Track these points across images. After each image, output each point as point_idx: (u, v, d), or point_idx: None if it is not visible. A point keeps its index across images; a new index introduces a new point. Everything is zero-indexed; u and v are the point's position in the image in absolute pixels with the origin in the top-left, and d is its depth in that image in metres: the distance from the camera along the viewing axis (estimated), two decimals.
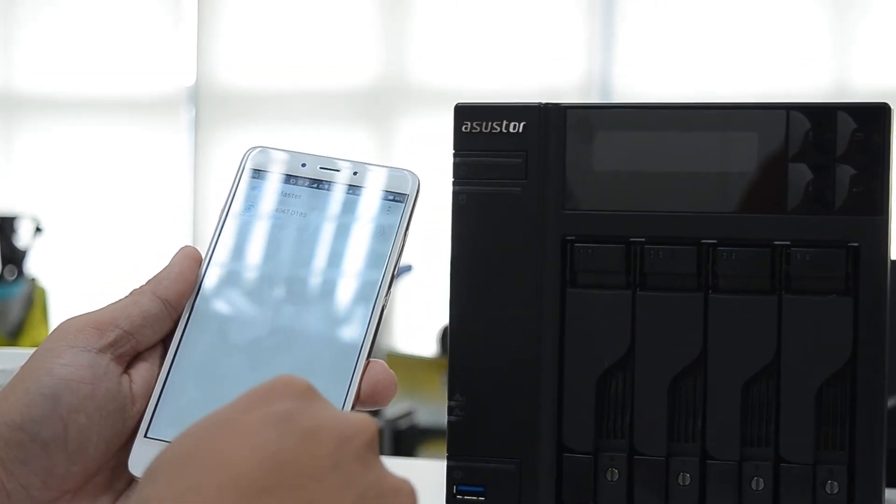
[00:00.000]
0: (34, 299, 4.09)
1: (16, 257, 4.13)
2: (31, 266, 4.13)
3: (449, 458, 0.80)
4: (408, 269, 3.85)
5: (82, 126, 5.25)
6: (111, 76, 5.23)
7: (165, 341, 0.68)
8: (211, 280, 0.69)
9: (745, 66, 4.40)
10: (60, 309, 4.33)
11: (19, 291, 4.05)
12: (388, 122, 5.19)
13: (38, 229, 4.17)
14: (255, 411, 0.52)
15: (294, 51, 5.17)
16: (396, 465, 1.05)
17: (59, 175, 5.18)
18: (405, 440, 1.82)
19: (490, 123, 0.79)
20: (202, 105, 5.27)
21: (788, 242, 0.76)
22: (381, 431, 1.79)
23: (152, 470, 0.51)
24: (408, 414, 1.94)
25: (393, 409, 2.03)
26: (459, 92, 4.98)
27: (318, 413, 0.53)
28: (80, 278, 4.99)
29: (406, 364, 2.41)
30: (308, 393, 0.54)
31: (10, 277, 4.05)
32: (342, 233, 0.70)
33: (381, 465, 0.54)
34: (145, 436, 0.66)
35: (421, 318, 3.53)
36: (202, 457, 0.50)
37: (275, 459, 0.50)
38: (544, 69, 4.82)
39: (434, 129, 5.19)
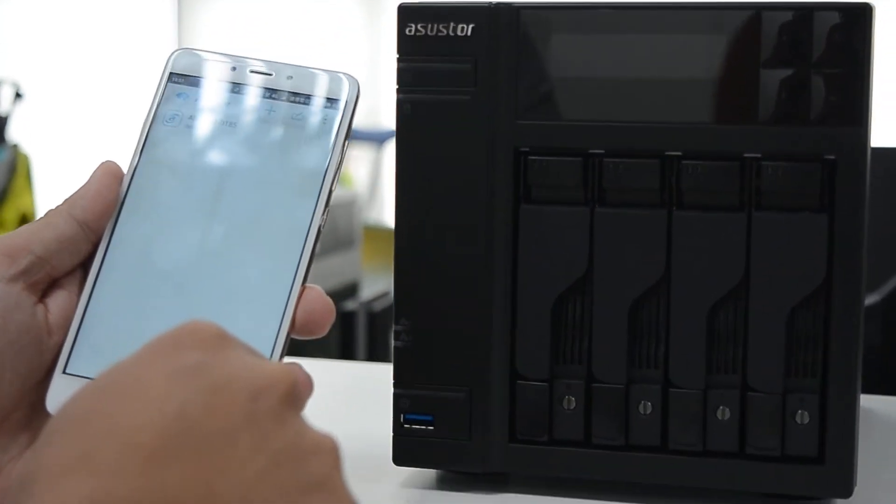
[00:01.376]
0: (17, 166, 4.03)
1: None
2: (13, 132, 4.07)
3: (395, 386, 0.75)
4: (391, 135, 3.79)
5: None
6: None
7: (85, 266, 0.63)
8: (133, 199, 0.64)
9: None
10: (44, 175, 4.29)
11: (2, 158, 3.99)
12: None
13: (18, 95, 4.09)
14: (159, 365, 0.46)
15: None
16: (373, 371, 0.99)
17: (38, 40, 5.09)
18: (380, 322, 1.77)
19: (436, 26, 0.72)
20: None
21: (759, 155, 0.70)
22: (353, 316, 1.75)
23: (49, 431, 0.46)
24: (385, 294, 1.88)
25: (369, 290, 1.98)
26: None
27: (229, 365, 0.47)
28: (63, 143, 4.94)
29: (386, 237, 2.35)
30: (218, 341, 0.48)
31: None
32: (275, 145, 0.64)
33: (299, 421, 0.48)
34: (64, 371, 0.61)
35: None
36: (100, 420, 0.45)
37: (180, 420, 0.44)
38: None
39: None
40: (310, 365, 1.07)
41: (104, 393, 0.46)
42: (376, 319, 1.73)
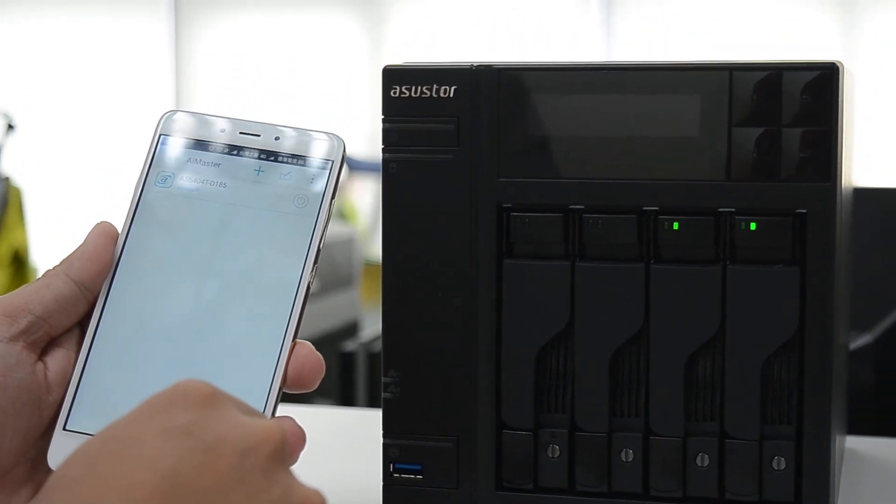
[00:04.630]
0: (9, 200, 4.08)
1: None
2: (5, 165, 4.12)
3: (385, 436, 0.81)
4: None
5: (54, 16, 5.21)
6: None
7: (83, 324, 0.68)
8: (127, 259, 0.69)
9: None
10: (37, 209, 4.34)
11: None
12: (379, 5, 5.14)
13: (10, 126, 4.14)
14: (154, 425, 0.52)
15: None
16: (370, 418, 1.05)
17: (30, 68, 5.15)
18: (380, 363, 1.79)
19: (420, 88, 0.79)
20: None
21: (733, 210, 0.76)
22: (353, 356, 1.79)
23: (49, 489, 0.51)
24: None
25: (369, 330, 2.03)
26: None
27: (220, 424, 0.53)
28: (57, 177, 4.99)
29: None
30: (210, 400, 0.54)
31: None
32: (264, 205, 0.70)
33: (288, 477, 0.53)
34: (64, 428, 0.66)
35: None
36: (99, 478, 0.50)
37: (174, 478, 0.50)
38: None
39: (430, 16, 5.15)
40: (307, 412, 1.13)
41: (101, 452, 0.51)
42: (376, 360, 1.77)
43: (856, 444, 1.00)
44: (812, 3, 4.66)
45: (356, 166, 4.73)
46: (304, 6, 5.09)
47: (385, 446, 0.81)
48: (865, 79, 4.29)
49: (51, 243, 4.56)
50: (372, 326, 2.09)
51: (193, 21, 5.19)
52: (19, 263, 4.08)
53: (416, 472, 0.80)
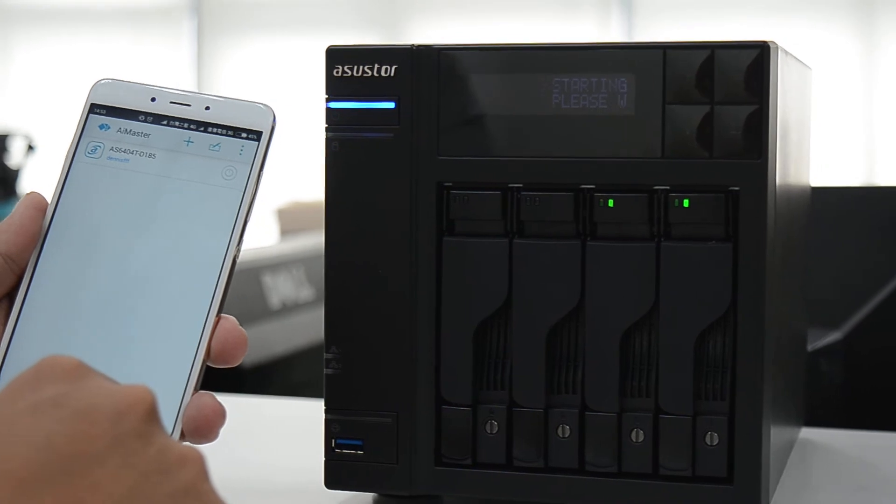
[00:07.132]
0: None
1: (8, 177, 4.16)
2: (25, 186, 4.17)
3: (326, 412, 0.82)
4: None
5: (77, 38, 5.27)
6: None
7: (10, 296, 0.69)
8: (56, 231, 0.69)
9: None
10: None
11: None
12: (401, 28, 5.18)
13: (30, 147, 4.19)
14: (23, 400, 0.51)
15: None
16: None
17: (52, 90, 5.20)
18: None
19: (361, 67, 0.80)
20: (204, 13, 5.27)
21: (667, 188, 0.77)
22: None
23: None
24: None
25: None
26: None
27: (89, 392, 0.52)
28: None
29: None
30: (77, 371, 0.53)
31: (1, 198, 4.08)
32: (192, 176, 0.70)
33: (163, 436, 0.53)
34: None
35: None
36: None
37: (48, 449, 0.49)
38: None
39: (451, 36, 5.19)
40: (280, 403, 1.14)
41: None
42: None
43: (812, 435, 1.01)
44: (832, 27, 4.68)
45: None
46: (327, 31, 5.14)
47: (327, 422, 0.82)
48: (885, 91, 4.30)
49: None
50: None
51: (216, 45, 5.23)
52: None
53: (356, 448, 0.82)
